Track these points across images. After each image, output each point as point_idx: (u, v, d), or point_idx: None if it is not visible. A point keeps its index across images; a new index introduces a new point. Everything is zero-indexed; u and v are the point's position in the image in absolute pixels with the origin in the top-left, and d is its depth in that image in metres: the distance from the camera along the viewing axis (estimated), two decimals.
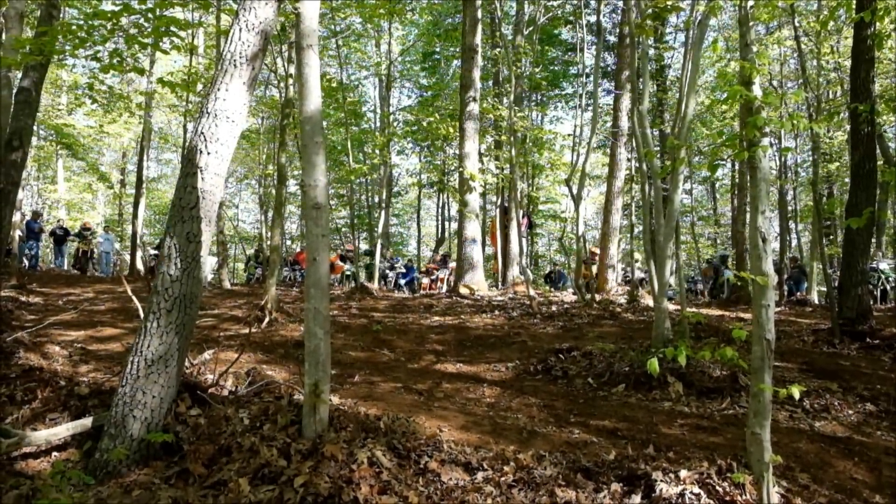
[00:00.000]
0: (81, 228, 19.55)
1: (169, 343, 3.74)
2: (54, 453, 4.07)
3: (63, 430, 3.94)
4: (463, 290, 12.30)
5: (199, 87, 14.29)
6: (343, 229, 28.26)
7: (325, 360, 3.49)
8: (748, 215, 3.34)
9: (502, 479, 3.48)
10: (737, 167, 17.07)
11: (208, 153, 3.86)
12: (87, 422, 3.96)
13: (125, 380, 3.74)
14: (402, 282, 17.67)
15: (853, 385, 5.40)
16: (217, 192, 3.96)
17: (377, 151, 16.63)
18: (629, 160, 14.25)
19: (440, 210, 30.03)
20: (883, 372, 6.06)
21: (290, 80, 8.91)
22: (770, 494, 3.06)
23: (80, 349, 6.80)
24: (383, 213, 17.42)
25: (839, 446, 4.26)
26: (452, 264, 16.61)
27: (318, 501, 3.07)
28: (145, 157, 17.57)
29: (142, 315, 3.95)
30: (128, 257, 19.62)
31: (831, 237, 19.65)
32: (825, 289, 11.98)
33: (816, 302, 13.07)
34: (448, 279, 16.49)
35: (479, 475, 3.56)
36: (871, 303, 8.07)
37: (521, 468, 3.61)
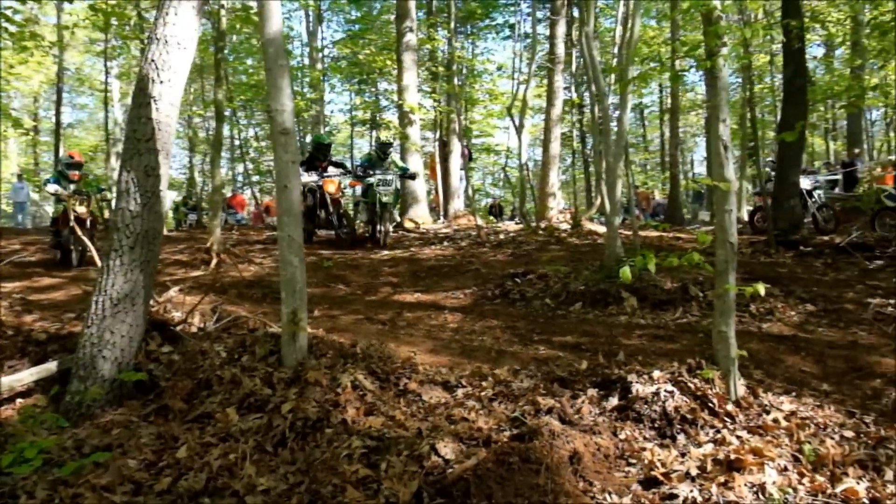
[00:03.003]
0: (66, 165, 9.24)
1: (134, 280, 3.64)
2: (18, 400, 3.95)
3: (27, 375, 3.81)
4: (408, 224, 12.29)
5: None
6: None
7: (302, 287, 3.47)
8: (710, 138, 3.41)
9: (482, 393, 3.59)
10: (668, 92, 17.39)
11: (161, 82, 3.68)
12: (51, 366, 3.84)
13: (90, 320, 3.63)
14: None
15: (792, 289, 5.74)
16: (172, 123, 3.80)
17: (307, 88, 16.12)
18: (566, 88, 14.32)
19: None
20: (817, 276, 6.47)
21: (223, 13, 8.49)
22: (736, 387, 3.27)
23: (21, 300, 6.51)
24: None
25: (787, 344, 4.56)
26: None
27: (307, 426, 3.10)
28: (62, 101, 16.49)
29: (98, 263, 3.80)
30: (49, 209, 18.67)
31: (754, 158, 20.43)
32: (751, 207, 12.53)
33: (746, 219, 13.64)
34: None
35: (460, 392, 3.66)
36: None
37: (498, 383, 3.72)
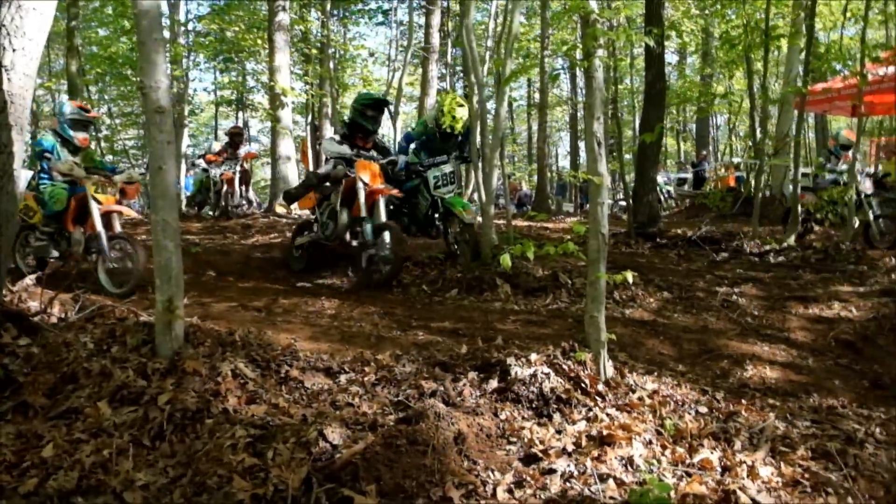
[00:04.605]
0: (71, 121, 5.94)
1: None
2: None
3: None
4: (279, 210, 11.95)
5: None
6: (132, 150, 25.95)
7: (178, 274, 3.33)
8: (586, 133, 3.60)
9: (365, 378, 3.61)
10: (536, 87, 18.06)
11: (14, 50, 3.38)
12: None
13: None
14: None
15: (651, 278, 6.18)
16: (28, 96, 3.51)
17: (169, 64, 15.26)
18: (440, 78, 14.51)
19: None
20: (672, 266, 7.03)
21: None
22: (606, 368, 3.51)
23: None
24: (184, 131, 16.19)
25: (647, 328, 4.92)
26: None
27: (186, 417, 2.98)
28: None
29: None
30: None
31: (614, 154, 21.72)
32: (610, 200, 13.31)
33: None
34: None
35: (343, 377, 3.65)
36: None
37: (381, 368, 3.76)
